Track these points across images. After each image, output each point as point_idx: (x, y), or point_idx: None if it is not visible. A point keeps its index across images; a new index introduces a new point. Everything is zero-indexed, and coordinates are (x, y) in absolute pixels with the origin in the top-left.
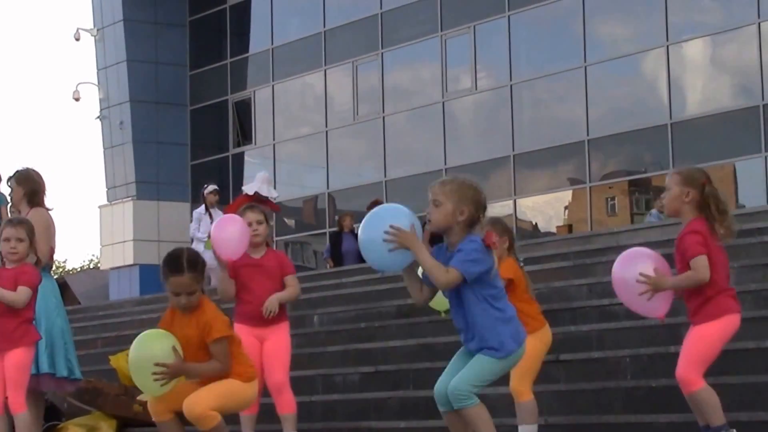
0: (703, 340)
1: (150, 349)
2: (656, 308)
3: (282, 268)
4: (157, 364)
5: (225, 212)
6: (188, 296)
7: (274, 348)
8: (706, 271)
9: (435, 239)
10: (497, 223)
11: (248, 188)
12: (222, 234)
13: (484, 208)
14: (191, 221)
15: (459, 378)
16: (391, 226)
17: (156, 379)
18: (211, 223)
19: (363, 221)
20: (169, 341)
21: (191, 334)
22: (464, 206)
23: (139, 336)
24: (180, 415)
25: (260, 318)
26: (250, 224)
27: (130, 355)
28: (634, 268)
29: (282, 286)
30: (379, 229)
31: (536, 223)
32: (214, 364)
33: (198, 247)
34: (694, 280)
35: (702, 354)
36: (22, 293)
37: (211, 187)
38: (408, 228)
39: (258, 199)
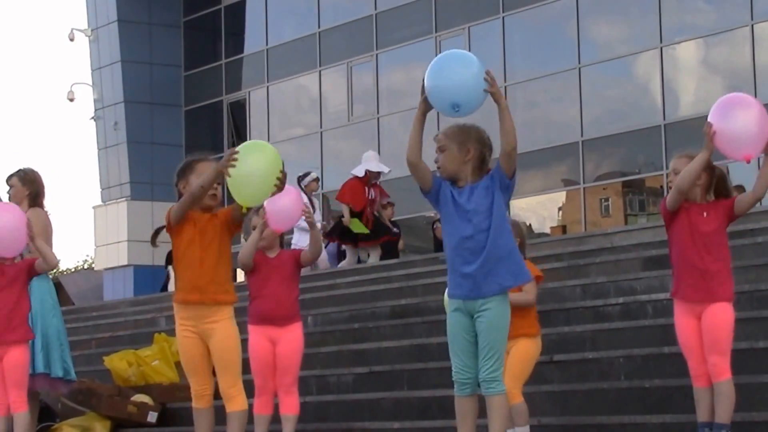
0: (730, 322)
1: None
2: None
3: (296, 259)
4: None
5: (338, 198)
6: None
7: (287, 351)
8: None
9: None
10: (513, 225)
11: (357, 170)
12: (274, 207)
13: (490, 148)
14: None
15: (489, 362)
16: (489, 72)
17: (276, 185)
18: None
19: (442, 63)
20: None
21: (212, 228)
22: (469, 146)
23: (259, 145)
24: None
25: (273, 318)
26: (254, 227)
27: (261, 160)
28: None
29: (295, 286)
30: (474, 69)
31: (530, 224)
32: None
33: (301, 238)
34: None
35: (730, 338)
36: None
37: (313, 175)
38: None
39: (368, 183)
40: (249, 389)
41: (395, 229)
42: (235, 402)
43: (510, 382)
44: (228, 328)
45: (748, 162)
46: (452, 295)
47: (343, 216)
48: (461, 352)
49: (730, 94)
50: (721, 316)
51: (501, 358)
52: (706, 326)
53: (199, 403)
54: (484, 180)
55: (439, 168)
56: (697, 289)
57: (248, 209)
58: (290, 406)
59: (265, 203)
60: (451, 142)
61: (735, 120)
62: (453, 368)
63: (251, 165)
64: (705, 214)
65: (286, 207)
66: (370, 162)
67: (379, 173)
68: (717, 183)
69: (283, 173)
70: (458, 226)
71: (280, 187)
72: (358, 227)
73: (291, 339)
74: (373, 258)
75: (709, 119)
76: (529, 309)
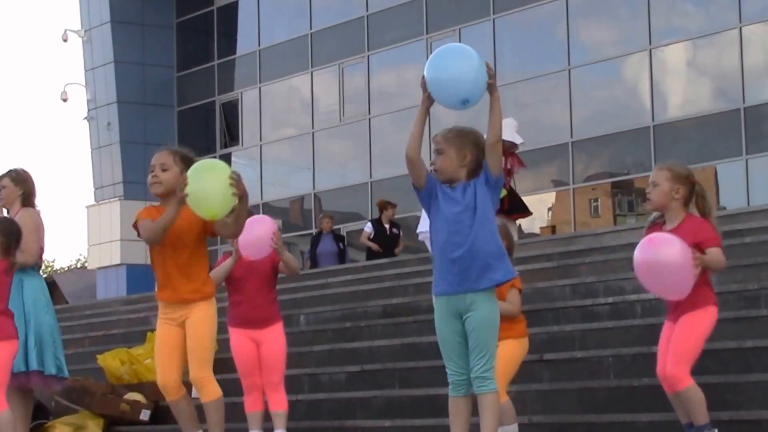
0: (691, 336)
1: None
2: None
3: (273, 262)
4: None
5: None
6: (161, 173)
7: (271, 352)
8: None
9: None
10: (501, 226)
11: (506, 136)
12: (248, 237)
13: (483, 149)
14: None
15: (482, 361)
16: (487, 64)
17: (232, 184)
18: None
19: (445, 57)
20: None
21: (187, 222)
22: (467, 151)
23: (199, 165)
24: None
25: (253, 320)
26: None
27: (207, 175)
28: (666, 251)
29: (272, 287)
30: (474, 62)
31: (520, 224)
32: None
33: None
34: (721, 262)
35: (691, 350)
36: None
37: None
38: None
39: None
40: (238, 388)
41: (395, 230)
42: (207, 391)
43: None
44: (202, 312)
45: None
46: (439, 292)
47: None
48: (455, 356)
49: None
50: (689, 324)
51: (492, 357)
52: (673, 335)
53: (168, 396)
54: (472, 181)
55: (435, 170)
56: (673, 307)
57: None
58: (278, 403)
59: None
60: (449, 145)
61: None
62: (448, 372)
63: (200, 185)
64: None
65: (257, 238)
66: (505, 130)
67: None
68: (697, 198)
69: (235, 177)
70: (445, 225)
71: (237, 188)
72: None
73: (273, 340)
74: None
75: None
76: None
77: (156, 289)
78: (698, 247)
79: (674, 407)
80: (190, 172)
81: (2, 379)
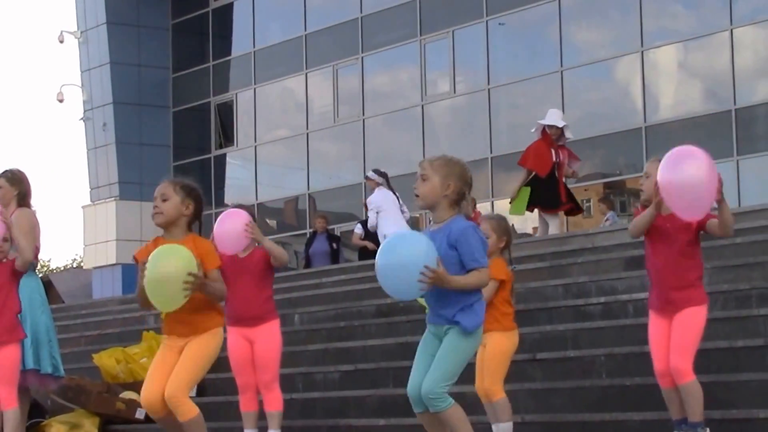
0: (693, 330)
1: (184, 259)
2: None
3: (267, 258)
4: (190, 274)
5: (519, 163)
6: (162, 203)
7: (263, 351)
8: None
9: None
10: (501, 220)
11: (551, 120)
12: (220, 230)
13: (470, 186)
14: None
15: (429, 381)
16: (426, 267)
17: (186, 288)
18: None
19: (384, 255)
20: (189, 255)
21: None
22: (450, 181)
23: (163, 249)
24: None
25: (246, 318)
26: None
27: (162, 267)
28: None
29: (267, 285)
30: (403, 271)
31: (513, 224)
32: (222, 285)
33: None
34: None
35: (694, 344)
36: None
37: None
38: (435, 263)
39: (554, 144)
40: (232, 387)
41: None
42: (182, 411)
43: (488, 379)
44: (205, 341)
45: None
46: (428, 321)
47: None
48: (417, 368)
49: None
50: (688, 319)
51: (447, 375)
52: (672, 329)
53: (157, 413)
54: (444, 227)
55: (417, 196)
56: (668, 302)
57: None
58: (272, 403)
59: (215, 226)
60: (434, 173)
61: (684, 174)
62: (409, 383)
63: (159, 270)
64: (669, 225)
65: (232, 231)
66: (551, 116)
67: (561, 130)
68: None
69: (195, 275)
70: None
71: (190, 289)
72: (522, 198)
73: (266, 338)
74: (552, 228)
75: (658, 176)
76: (497, 304)
77: (165, 326)
78: (700, 225)
79: (667, 403)
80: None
81: (12, 379)
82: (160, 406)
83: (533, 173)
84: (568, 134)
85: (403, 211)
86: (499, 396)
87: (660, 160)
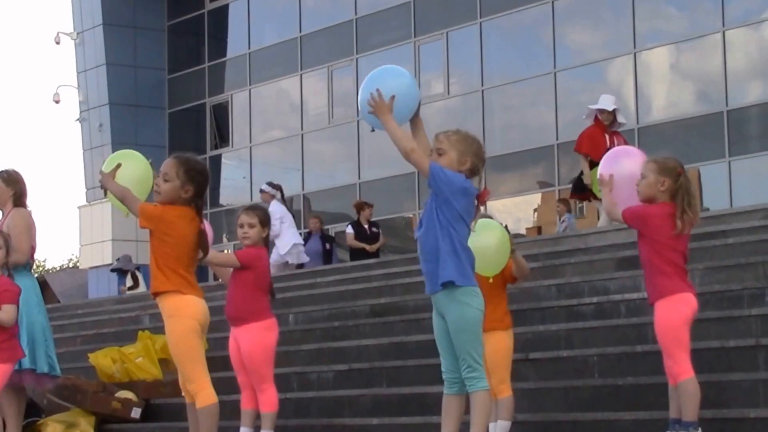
0: (666, 328)
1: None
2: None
3: (250, 261)
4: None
5: (575, 150)
6: (162, 183)
7: (246, 352)
8: (616, 218)
9: None
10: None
11: (603, 105)
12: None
13: (484, 162)
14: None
15: (464, 365)
16: (374, 92)
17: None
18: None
19: (380, 70)
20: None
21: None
22: (467, 156)
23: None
24: None
25: (231, 319)
26: (241, 226)
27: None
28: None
29: (253, 285)
30: (367, 91)
31: (506, 225)
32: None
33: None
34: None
35: (673, 342)
36: (9, 311)
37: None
38: (387, 96)
39: (607, 130)
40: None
41: (374, 229)
42: (199, 398)
43: (495, 377)
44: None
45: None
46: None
47: (582, 172)
48: (444, 352)
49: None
50: (658, 318)
51: (474, 357)
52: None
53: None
54: None
55: None
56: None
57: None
58: (264, 404)
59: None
60: (451, 147)
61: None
62: (441, 366)
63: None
64: None
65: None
66: (603, 101)
67: (614, 114)
68: (680, 190)
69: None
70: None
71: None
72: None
73: (248, 339)
74: (602, 221)
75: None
76: (498, 302)
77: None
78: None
79: (670, 400)
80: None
81: None
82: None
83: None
84: (620, 119)
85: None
86: (506, 394)
87: (655, 161)
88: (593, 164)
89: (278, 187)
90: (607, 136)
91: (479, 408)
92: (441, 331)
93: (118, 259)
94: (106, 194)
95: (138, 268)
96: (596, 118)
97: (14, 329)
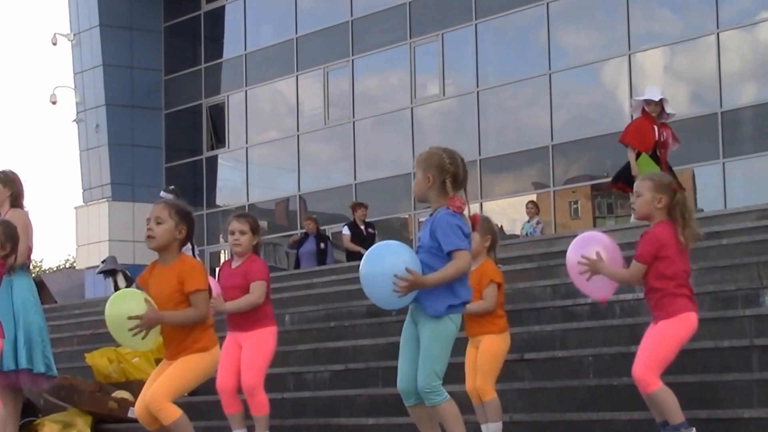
0: (663, 341)
1: (122, 305)
2: (599, 290)
3: (247, 276)
4: (130, 318)
5: (620, 140)
6: (155, 227)
7: (248, 352)
8: (639, 275)
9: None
10: (484, 221)
11: (635, 107)
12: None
13: (451, 172)
14: None
15: (421, 375)
16: (396, 276)
17: (134, 334)
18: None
19: (363, 270)
20: (139, 296)
21: (168, 288)
22: (429, 173)
23: (111, 297)
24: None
25: (237, 323)
26: (232, 233)
27: (106, 314)
28: (581, 250)
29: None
30: (384, 281)
31: (501, 226)
32: (189, 312)
33: None
34: (627, 279)
35: (661, 355)
36: None
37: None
38: (405, 270)
39: (656, 122)
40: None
41: (370, 230)
42: (163, 415)
43: (481, 378)
44: (196, 357)
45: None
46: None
47: (629, 163)
48: (404, 360)
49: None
50: (653, 331)
51: (436, 370)
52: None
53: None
54: (429, 222)
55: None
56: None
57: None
58: (256, 408)
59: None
60: (418, 169)
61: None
62: (398, 376)
63: (107, 318)
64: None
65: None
66: (649, 92)
67: (661, 105)
68: (677, 206)
69: (138, 316)
70: None
71: (140, 330)
72: (647, 164)
73: (254, 343)
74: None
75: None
76: (500, 307)
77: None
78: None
79: (649, 407)
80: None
81: None
82: (151, 418)
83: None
84: (668, 109)
85: None
86: (490, 396)
87: (651, 179)
88: (638, 156)
89: (174, 192)
90: (655, 128)
91: (449, 419)
92: (410, 338)
93: (103, 262)
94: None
95: (126, 268)
96: (644, 110)
97: None
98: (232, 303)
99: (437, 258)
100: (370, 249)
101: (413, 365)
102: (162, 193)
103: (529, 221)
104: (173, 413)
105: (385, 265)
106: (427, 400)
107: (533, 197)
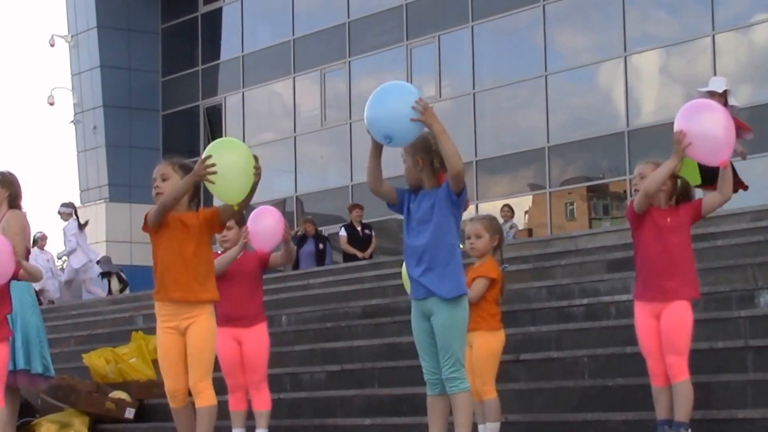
0: (688, 321)
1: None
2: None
3: (259, 260)
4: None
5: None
6: (162, 183)
7: (253, 351)
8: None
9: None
10: (493, 220)
11: (713, 87)
12: (258, 227)
13: (437, 152)
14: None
15: (446, 367)
16: (420, 100)
17: (255, 174)
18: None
19: (377, 95)
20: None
21: (192, 228)
22: (417, 156)
23: (226, 142)
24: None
25: (236, 319)
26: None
27: (234, 156)
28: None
29: (258, 287)
30: (405, 99)
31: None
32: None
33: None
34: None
35: (688, 343)
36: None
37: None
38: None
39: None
40: (221, 387)
41: (367, 231)
42: (203, 397)
43: (480, 378)
44: (204, 323)
45: (725, 167)
46: (411, 296)
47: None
48: (426, 355)
49: (693, 101)
50: (679, 315)
51: (458, 358)
52: (663, 326)
53: (174, 402)
54: (434, 191)
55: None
56: (659, 290)
57: (239, 206)
58: (261, 402)
59: (248, 223)
60: (406, 154)
61: (705, 124)
62: (423, 369)
63: (228, 163)
64: (668, 219)
65: (269, 227)
66: (712, 83)
67: (725, 97)
68: (680, 191)
69: (256, 161)
70: (407, 234)
71: (258, 175)
72: (689, 172)
73: (255, 339)
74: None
75: (677, 126)
76: (484, 303)
77: (157, 290)
78: (696, 215)
79: (654, 401)
80: (211, 151)
81: (1, 378)
82: (184, 396)
83: None
84: (732, 101)
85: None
86: (491, 395)
87: (652, 163)
88: None
89: (71, 206)
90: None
91: (462, 409)
92: (423, 333)
93: (98, 262)
94: None
95: (122, 269)
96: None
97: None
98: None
99: (453, 221)
100: (378, 90)
101: (436, 357)
102: (60, 208)
103: (503, 224)
104: (211, 398)
105: (394, 97)
106: (450, 388)
107: (529, 198)
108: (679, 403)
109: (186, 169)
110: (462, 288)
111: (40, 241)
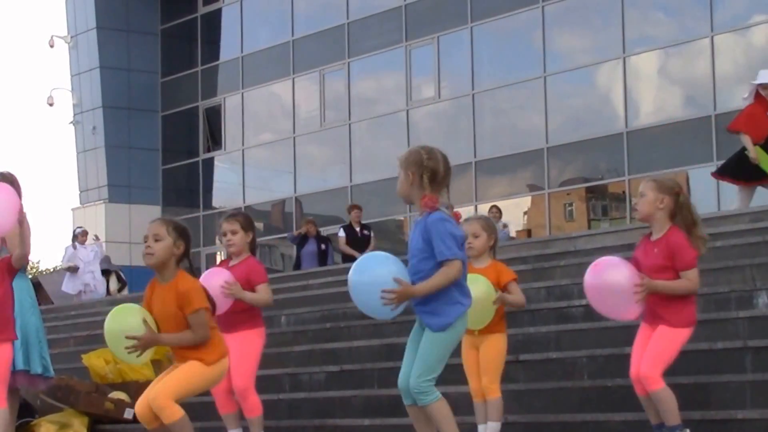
0: (672, 344)
1: (120, 323)
2: (631, 310)
3: (249, 276)
4: (128, 337)
5: (729, 128)
6: (154, 243)
7: (238, 355)
8: (698, 283)
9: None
10: (488, 220)
11: (763, 79)
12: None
13: (430, 168)
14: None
15: (413, 375)
16: (384, 290)
17: (129, 352)
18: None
19: (352, 279)
20: (139, 314)
21: (169, 306)
22: (409, 171)
23: (111, 310)
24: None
25: (225, 324)
26: (224, 234)
27: (105, 328)
28: (611, 275)
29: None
30: (373, 297)
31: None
32: (187, 335)
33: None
34: (688, 290)
35: (668, 356)
36: None
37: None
38: (392, 282)
39: None
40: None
41: (366, 232)
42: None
43: (487, 377)
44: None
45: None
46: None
47: (746, 150)
48: (406, 360)
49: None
50: (664, 332)
51: (432, 368)
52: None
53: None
54: (422, 219)
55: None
56: (649, 314)
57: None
58: (249, 410)
59: None
60: (400, 167)
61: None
62: (399, 374)
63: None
64: (655, 250)
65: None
66: (763, 75)
67: None
68: (682, 209)
69: (134, 336)
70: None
71: (136, 349)
72: (764, 156)
73: (243, 345)
74: (741, 201)
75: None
76: (501, 306)
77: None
78: (674, 268)
79: (645, 408)
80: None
81: (4, 377)
82: (151, 417)
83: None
84: None
85: None
86: (496, 395)
87: (654, 180)
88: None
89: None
90: None
91: (440, 419)
92: (416, 340)
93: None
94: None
95: (121, 269)
96: (758, 94)
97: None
98: (251, 294)
99: (430, 262)
100: (357, 260)
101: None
102: (77, 229)
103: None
104: (176, 413)
105: (373, 275)
106: (417, 401)
107: (528, 199)
108: (661, 410)
109: (179, 231)
110: (453, 321)
111: (80, 236)
